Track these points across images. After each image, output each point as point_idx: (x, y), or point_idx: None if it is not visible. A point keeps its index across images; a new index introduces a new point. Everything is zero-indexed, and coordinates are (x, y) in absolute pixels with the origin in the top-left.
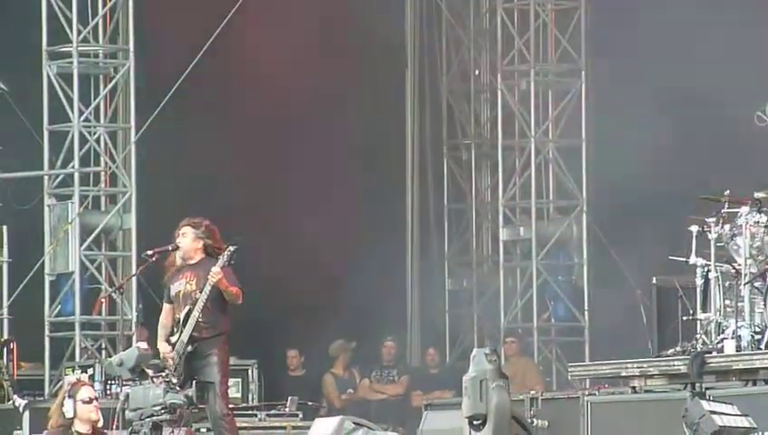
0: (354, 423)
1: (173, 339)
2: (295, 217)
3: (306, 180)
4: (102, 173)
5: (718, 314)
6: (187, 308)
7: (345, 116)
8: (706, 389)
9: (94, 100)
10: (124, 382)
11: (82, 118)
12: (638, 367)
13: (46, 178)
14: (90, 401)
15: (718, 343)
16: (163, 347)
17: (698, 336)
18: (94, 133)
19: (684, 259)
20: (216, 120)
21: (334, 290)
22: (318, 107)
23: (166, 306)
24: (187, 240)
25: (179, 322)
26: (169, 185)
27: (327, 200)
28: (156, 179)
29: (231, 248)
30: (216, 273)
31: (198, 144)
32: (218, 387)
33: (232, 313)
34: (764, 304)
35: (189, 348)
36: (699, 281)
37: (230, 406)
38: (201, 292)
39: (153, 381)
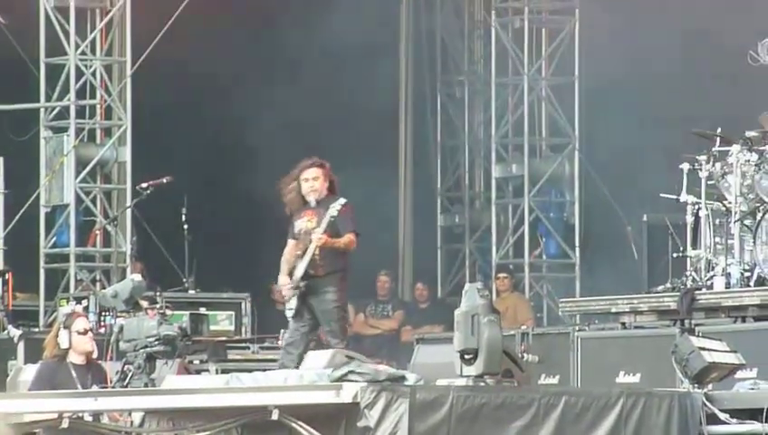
0: (347, 356)
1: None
2: (287, 151)
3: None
4: (98, 106)
5: (708, 251)
6: (305, 246)
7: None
8: (696, 325)
9: (90, 33)
10: (118, 314)
11: (79, 51)
12: (629, 303)
13: (42, 110)
14: (85, 333)
15: (708, 280)
16: (282, 279)
17: (688, 273)
18: (90, 66)
19: (675, 197)
20: (214, 52)
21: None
22: (312, 48)
23: (290, 242)
24: (320, 182)
25: (299, 257)
26: (164, 118)
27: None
28: (151, 113)
29: (334, 212)
30: (318, 238)
31: (194, 77)
32: (334, 316)
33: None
34: (754, 242)
35: (302, 284)
36: (690, 218)
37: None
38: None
39: (147, 313)
